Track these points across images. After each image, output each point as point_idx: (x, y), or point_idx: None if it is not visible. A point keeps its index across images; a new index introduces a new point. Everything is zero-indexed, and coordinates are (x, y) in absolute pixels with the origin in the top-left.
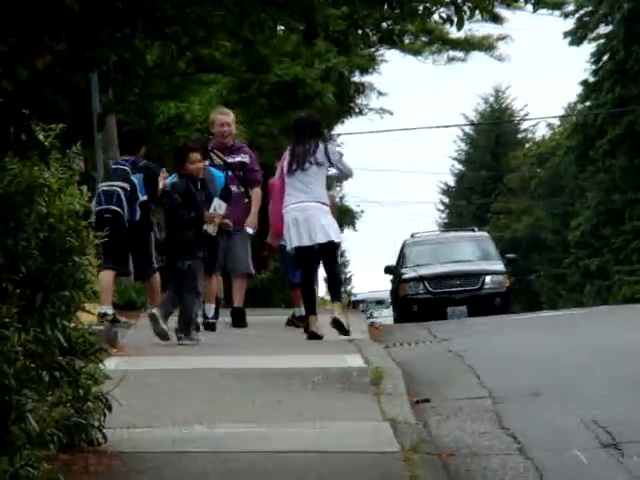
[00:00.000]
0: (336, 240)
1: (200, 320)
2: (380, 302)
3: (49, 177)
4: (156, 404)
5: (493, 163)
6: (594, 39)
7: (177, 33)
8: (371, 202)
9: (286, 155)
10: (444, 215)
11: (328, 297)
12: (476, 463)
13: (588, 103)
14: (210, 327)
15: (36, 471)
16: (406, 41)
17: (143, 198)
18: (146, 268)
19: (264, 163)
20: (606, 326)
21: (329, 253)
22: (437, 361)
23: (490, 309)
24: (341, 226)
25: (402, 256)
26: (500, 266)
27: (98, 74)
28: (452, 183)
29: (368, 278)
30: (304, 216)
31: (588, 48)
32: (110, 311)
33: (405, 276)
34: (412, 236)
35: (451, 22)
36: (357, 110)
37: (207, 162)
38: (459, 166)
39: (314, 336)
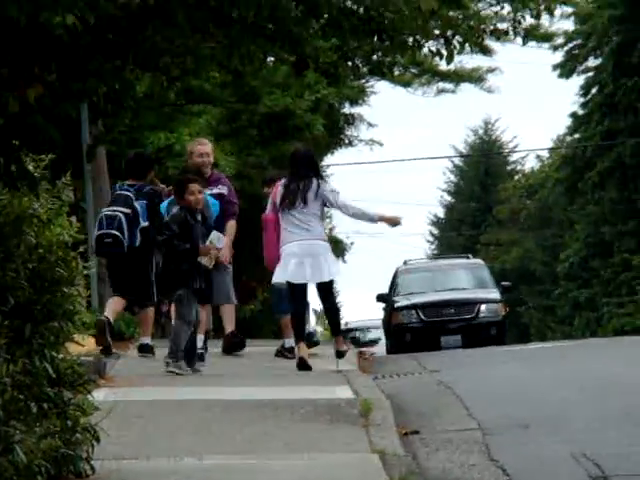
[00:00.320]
0: (337, 277)
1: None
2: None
3: (38, 208)
4: (144, 435)
5: (482, 195)
6: (583, 72)
7: (167, 64)
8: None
9: (280, 190)
10: (433, 246)
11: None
12: None
13: (577, 135)
14: (199, 358)
15: None
16: (396, 73)
17: (144, 224)
18: (144, 296)
19: (253, 194)
20: (595, 358)
21: (329, 288)
22: (426, 393)
23: (485, 338)
24: None
25: (395, 284)
26: (495, 294)
27: (88, 105)
28: (441, 214)
29: (358, 308)
30: (310, 254)
31: (577, 81)
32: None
33: (398, 304)
34: (405, 263)
35: (440, 56)
36: (347, 141)
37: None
38: (448, 197)
39: (303, 364)
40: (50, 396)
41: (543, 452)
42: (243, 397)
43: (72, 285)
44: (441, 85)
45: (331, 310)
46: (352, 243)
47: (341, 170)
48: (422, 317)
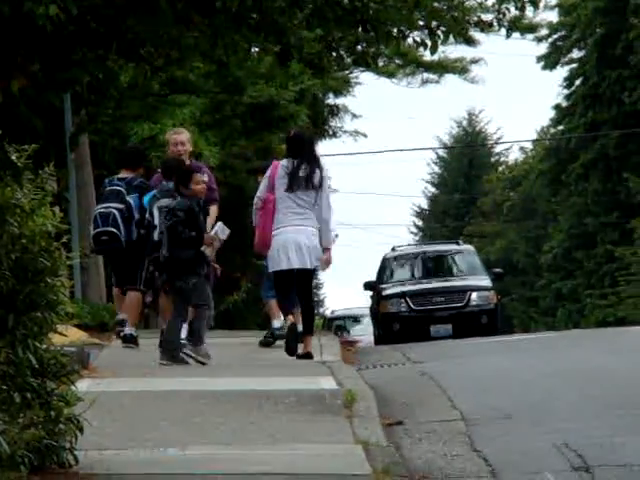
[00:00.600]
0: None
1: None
2: (356, 319)
3: (22, 198)
4: (128, 426)
5: (466, 186)
6: (567, 63)
7: (151, 54)
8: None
9: (280, 171)
10: (417, 238)
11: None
12: None
13: (561, 127)
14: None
15: None
16: (380, 63)
17: (139, 218)
18: (131, 281)
19: (237, 185)
20: (577, 349)
21: (310, 278)
22: (410, 383)
23: (476, 327)
24: None
25: (382, 271)
26: (487, 281)
27: (71, 94)
28: (425, 206)
29: (341, 298)
30: (297, 240)
31: (561, 72)
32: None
33: (386, 292)
34: (393, 249)
35: (425, 46)
36: (331, 132)
37: None
38: (432, 189)
39: (294, 328)
40: (33, 386)
41: (526, 443)
42: (227, 388)
43: (55, 275)
44: (425, 76)
45: (307, 307)
46: (337, 235)
47: (325, 161)
48: (411, 306)
